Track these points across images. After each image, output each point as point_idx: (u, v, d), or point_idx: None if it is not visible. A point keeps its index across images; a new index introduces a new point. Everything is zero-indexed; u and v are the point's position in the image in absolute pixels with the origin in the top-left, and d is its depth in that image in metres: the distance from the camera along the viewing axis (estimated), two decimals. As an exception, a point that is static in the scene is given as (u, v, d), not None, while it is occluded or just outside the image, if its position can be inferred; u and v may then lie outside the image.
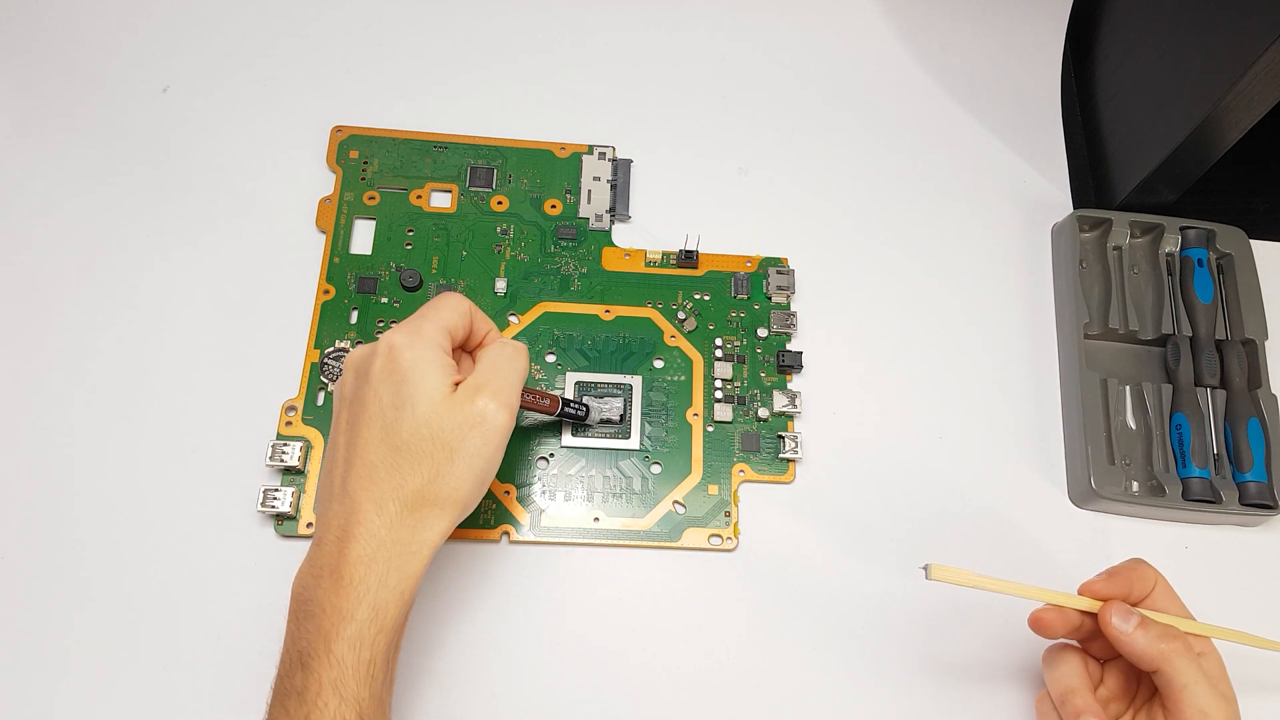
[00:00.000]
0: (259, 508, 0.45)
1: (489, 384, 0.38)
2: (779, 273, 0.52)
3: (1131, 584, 0.40)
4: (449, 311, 0.40)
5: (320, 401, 0.48)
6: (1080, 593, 0.40)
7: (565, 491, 0.47)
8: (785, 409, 0.49)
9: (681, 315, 0.51)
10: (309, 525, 0.45)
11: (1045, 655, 0.42)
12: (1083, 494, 0.49)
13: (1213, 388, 0.50)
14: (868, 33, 0.60)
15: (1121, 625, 0.38)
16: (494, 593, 0.46)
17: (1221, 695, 0.38)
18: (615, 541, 0.47)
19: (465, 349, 0.42)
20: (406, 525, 0.37)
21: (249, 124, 0.55)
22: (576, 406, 0.47)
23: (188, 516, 0.46)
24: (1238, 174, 0.56)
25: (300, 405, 0.48)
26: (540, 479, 0.47)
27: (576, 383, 0.49)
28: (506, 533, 0.46)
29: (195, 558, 0.45)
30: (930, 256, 0.54)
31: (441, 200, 0.53)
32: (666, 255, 0.53)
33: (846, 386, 0.51)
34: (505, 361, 0.40)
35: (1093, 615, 0.39)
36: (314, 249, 0.51)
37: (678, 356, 0.50)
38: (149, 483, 0.46)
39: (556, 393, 0.47)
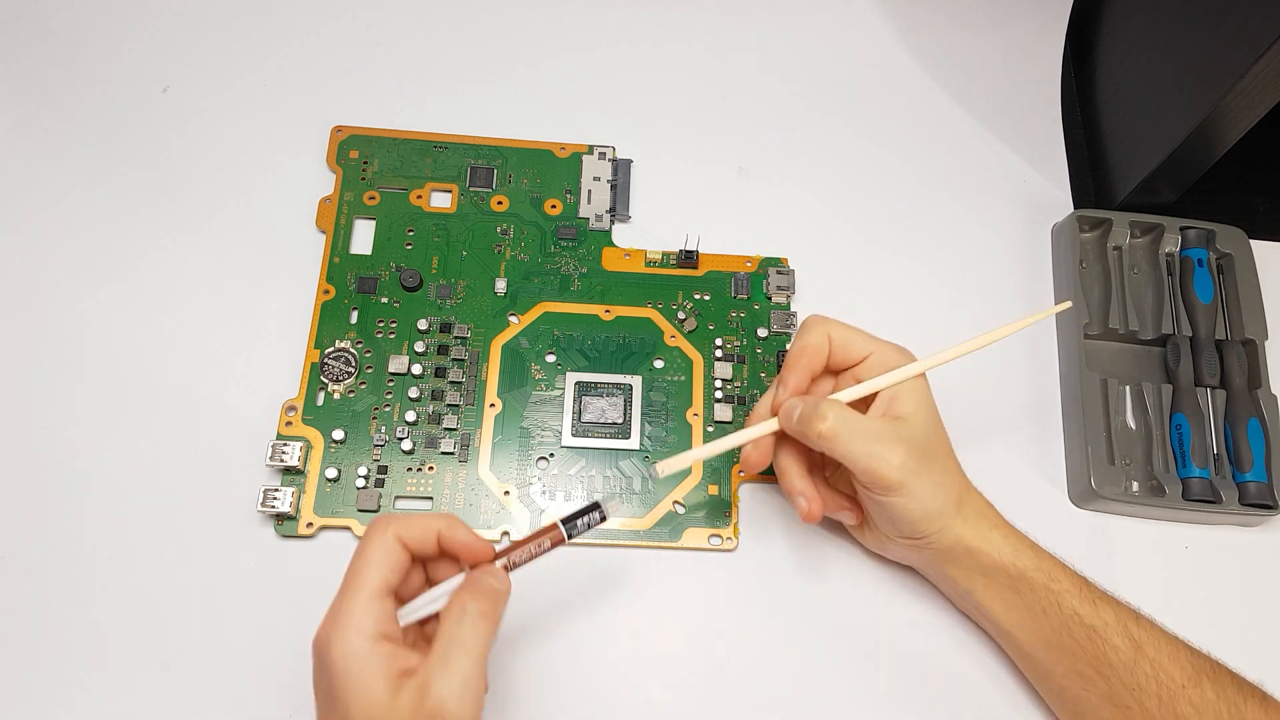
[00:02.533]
0: (259, 508, 0.45)
1: (443, 676, 0.32)
2: (779, 273, 0.52)
3: (809, 376, 0.42)
4: (377, 559, 0.34)
5: (320, 401, 0.48)
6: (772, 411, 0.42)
7: (565, 491, 0.47)
8: (785, 409, 0.49)
9: (681, 315, 0.51)
10: (309, 525, 0.45)
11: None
12: (1083, 494, 0.49)
13: (1213, 388, 0.50)
14: (868, 33, 0.60)
15: (796, 428, 0.41)
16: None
17: (897, 439, 0.39)
18: (615, 541, 0.47)
19: (447, 552, 0.36)
20: None
21: (249, 124, 0.55)
22: (586, 517, 0.38)
23: (188, 516, 0.46)
24: (1238, 174, 0.56)
25: (300, 405, 0.48)
26: (540, 479, 0.47)
27: (576, 383, 0.49)
28: (506, 533, 0.46)
29: (195, 558, 0.45)
30: (930, 256, 0.54)
31: (441, 200, 0.53)
32: (666, 255, 0.53)
33: (846, 386, 0.51)
34: (467, 632, 0.33)
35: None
36: (314, 249, 0.51)
37: (678, 356, 0.50)
38: (149, 482, 0.46)
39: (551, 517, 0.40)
